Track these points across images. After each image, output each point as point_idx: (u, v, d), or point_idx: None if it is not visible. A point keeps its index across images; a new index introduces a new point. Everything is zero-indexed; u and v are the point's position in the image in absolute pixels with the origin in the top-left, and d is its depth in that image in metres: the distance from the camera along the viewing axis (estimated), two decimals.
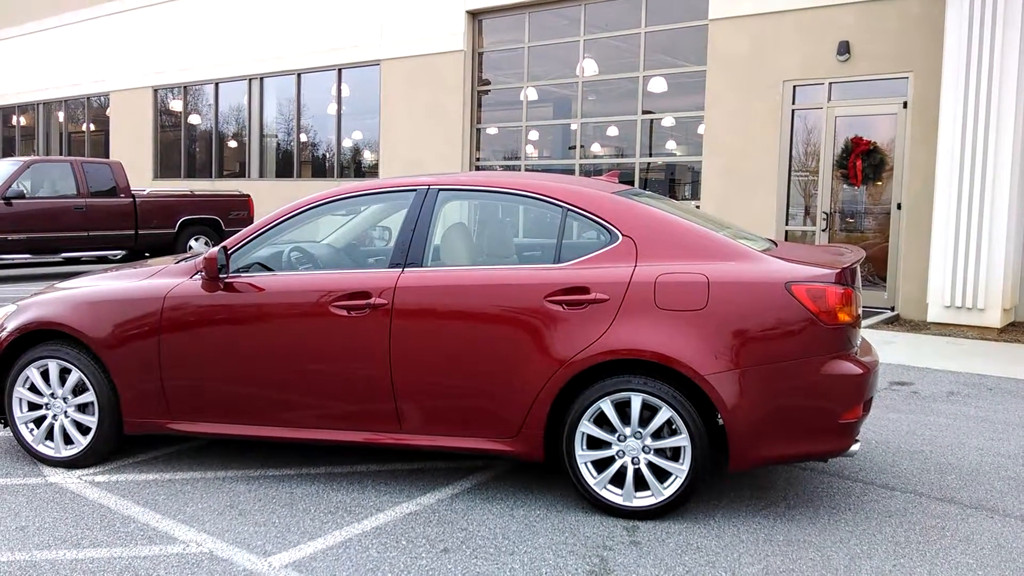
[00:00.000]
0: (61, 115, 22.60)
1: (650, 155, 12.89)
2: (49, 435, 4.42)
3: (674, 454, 3.72)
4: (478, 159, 14.69)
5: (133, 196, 13.64)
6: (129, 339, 4.20)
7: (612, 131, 13.29)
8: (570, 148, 13.67)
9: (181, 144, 19.35)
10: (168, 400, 4.21)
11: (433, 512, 3.84)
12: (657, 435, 3.71)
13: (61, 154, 22.37)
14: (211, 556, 3.38)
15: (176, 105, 19.42)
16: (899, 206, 10.49)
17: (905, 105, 10.38)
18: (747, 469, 3.70)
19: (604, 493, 3.76)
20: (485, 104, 14.58)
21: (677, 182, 13.03)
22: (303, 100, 17.07)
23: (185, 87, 19.14)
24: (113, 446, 4.39)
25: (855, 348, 3.71)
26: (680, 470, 3.67)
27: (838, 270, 3.62)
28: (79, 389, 4.35)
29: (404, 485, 4.17)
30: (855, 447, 3.70)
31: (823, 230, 10.99)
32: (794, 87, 11.19)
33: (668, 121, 12.70)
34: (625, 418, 3.72)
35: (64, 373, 4.36)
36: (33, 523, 3.69)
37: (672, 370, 3.68)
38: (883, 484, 4.28)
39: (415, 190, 4.13)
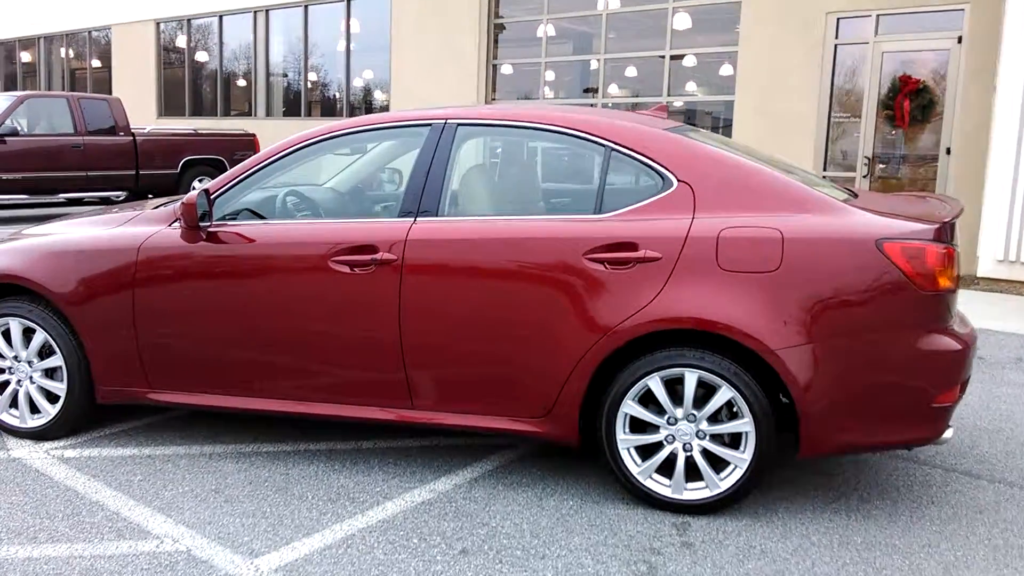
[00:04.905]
0: (63, 51, 21.82)
1: (676, 95, 12.10)
2: (14, 402, 3.89)
3: (733, 440, 3.15)
4: (493, 99, 13.93)
5: (133, 135, 13.00)
6: (99, 296, 3.64)
7: (633, 71, 12.49)
8: (585, 90, 12.88)
9: (185, 81, 18.61)
10: (145, 366, 3.66)
11: (449, 501, 3.30)
12: (714, 418, 3.14)
13: (64, 92, 21.66)
14: (188, 556, 2.86)
15: (180, 41, 18.63)
16: (948, 151, 9.74)
17: (960, 40, 9.56)
18: (818, 456, 3.13)
19: (649, 483, 3.21)
20: (502, 41, 13.75)
21: (705, 124, 12.27)
22: (311, 36, 16.26)
23: (188, 20, 18.32)
24: (84, 417, 3.86)
25: (952, 319, 3.11)
26: (740, 459, 3.11)
27: (938, 225, 3.00)
28: (46, 352, 3.81)
29: (416, 467, 3.63)
30: (948, 434, 3.12)
31: (864, 176, 10.27)
32: (837, 20, 10.36)
33: (696, 59, 11.88)
34: (676, 398, 3.15)
35: (28, 333, 3.81)
36: None
37: (736, 343, 3.09)
38: (966, 471, 3.71)
39: (430, 125, 3.50)
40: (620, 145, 3.26)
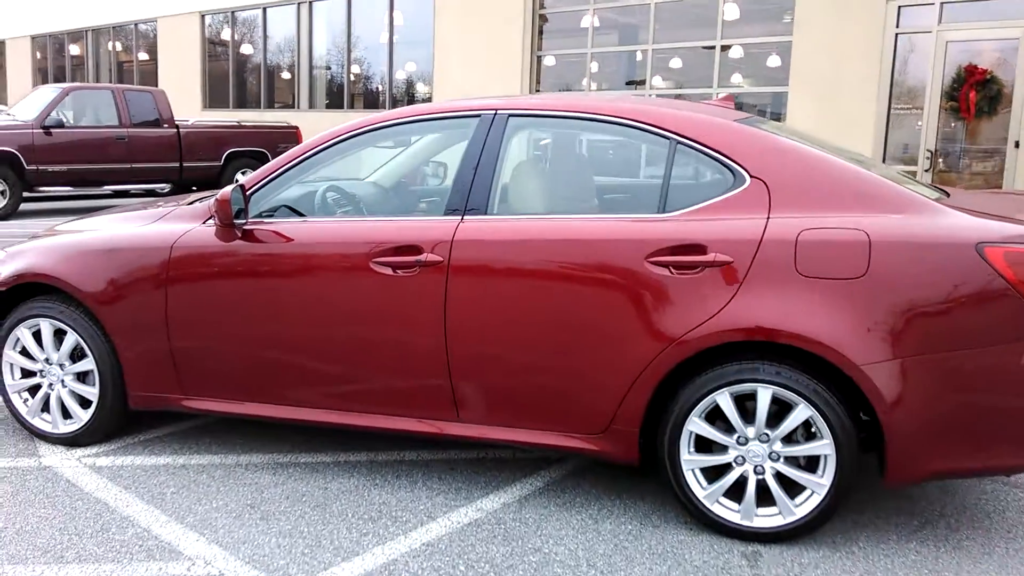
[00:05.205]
0: (111, 44, 22.00)
1: (724, 86, 11.71)
2: (45, 406, 3.74)
3: (809, 463, 2.87)
4: (537, 91, 13.65)
5: (177, 127, 12.98)
6: (130, 296, 3.46)
7: (678, 62, 12.12)
8: (629, 83, 12.54)
9: (230, 74, 18.62)
10: (179, 371, 3.48)
11: (498, 522, 3.06)
12: (789, 439, 2.86)
13: (109, 84, 21.83)
14: None
15: (225, 33, 18.63)
16: (1016, 144, 9.26)
17: None
18: (908, 484, 2.84)
19: (716, 508, 2.94)
20: (546, 32, 13.46)
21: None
22: (354, 28, 16.13)
23: (233, 13, 18.31)
24: (118, 423, 3.70)
25: None
26: (818, 484, 2.83)
27: None
28: (77, 355, 3.65)
29: (462, 482, 3.40)
30: None
31: (926, 170, 9.82)
32: (899, 8, 9.90)
33: (747, 50, 11.47)
34: (746, 415, 2.88)
35: (60, 335, 3.66)
36: (13, 523, 3.02)
37: (816, 357, 2.80)
38: None
39: (479, 116, 3.25)
40: (686, 138, 2.99)
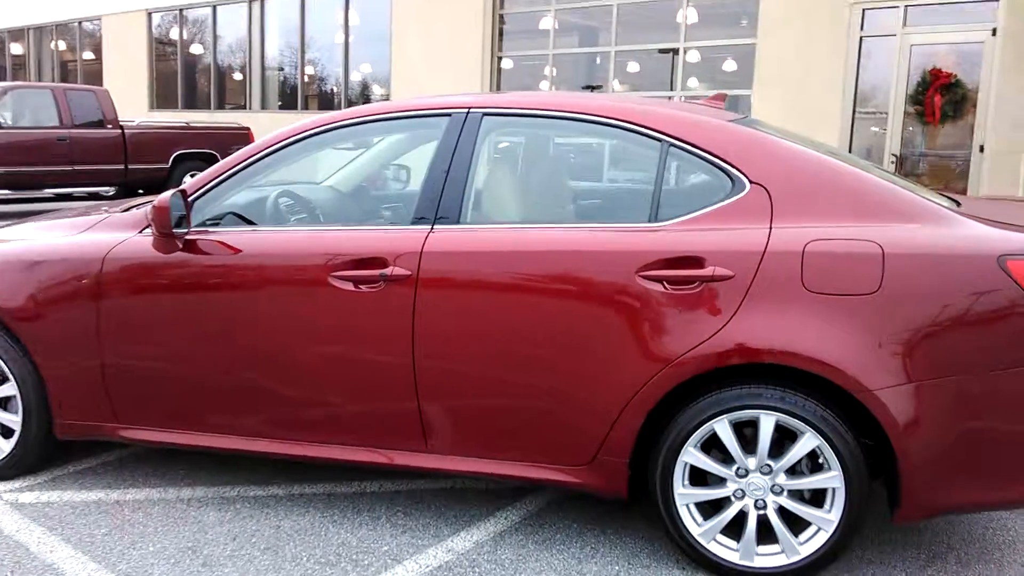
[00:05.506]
0: (54, 43, 21.20)
1: (687, 90, 11.55)
2: None
3: (814, 496, 2.62)
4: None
5: (121, 127, 12.42)
6: (57, 314, 3.09)
7: (636, 66, 11.94)
8: (585, 87, 12.32)
9: (179, 74, 18.02)
10: (113, 398, 3.11)
11: (471, 564, 2.75)
12: (793, 470, 2.60)
13: (49, 83, 21.02)
14: None
15: (173, 32, 18.04)
16: (981, 148, 9.22)
17: (994, 32, 9.04)
18: (922, 519, 2.60)
19: (713, 547, 2.67)
20: (506, 33, 13.19)
21: None
22: (308, 28, 15.69)
23: (181, 10, 17.72)
24: (44, 454, 3.32)
25: None
26: (825, 520, 2.57)
27: None
28: None
29: (430, 517, 3.09)
30: None
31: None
32: (863, 11, 9.83)
33: (710, 53, 11.33)
34: (746, 444, 2.61)
35: None
36: None
37: (824, 380, 2.55)
38: None
39: (450, 115, 2.94)
40: (679, 139, 2.72)
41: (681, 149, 2.71)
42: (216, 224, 3.06)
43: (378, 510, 3.13)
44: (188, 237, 2.99)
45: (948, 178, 9.49)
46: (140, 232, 3.08)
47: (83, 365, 3.10)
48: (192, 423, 3.08)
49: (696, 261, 2.56)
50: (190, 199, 3.03)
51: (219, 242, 2.96)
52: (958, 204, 2.84)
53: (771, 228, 2.56)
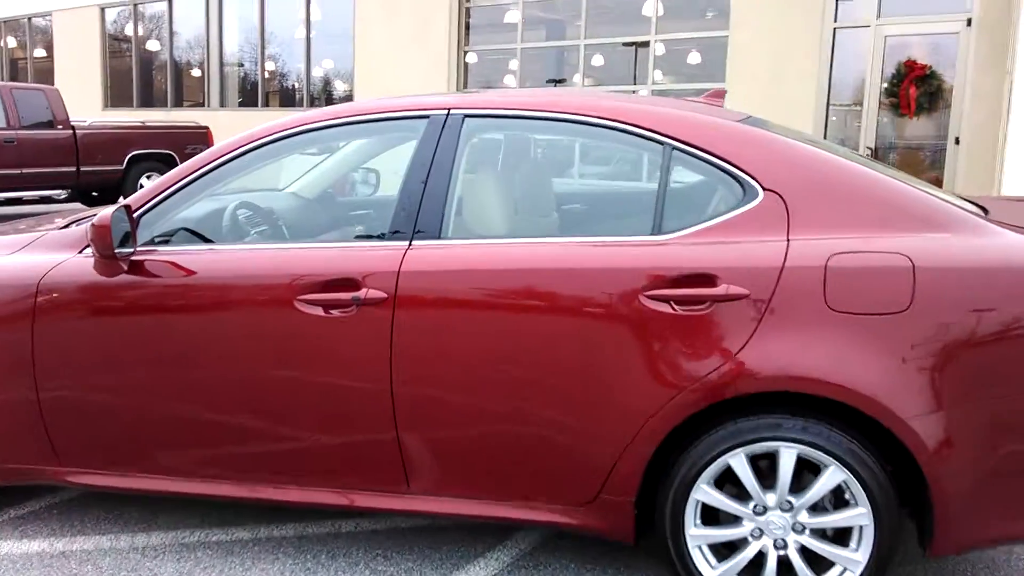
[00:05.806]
0: (2, 40, 20.45)
1: (658, 84, 11.33)
2: None
3: (838, 535, 2.38)
4: (466, 89, 13.06)
5: (73, 127, 11.91)
6: None
7: (614, 57, 11.70)
8: (550, 81, 12.06)
9: (134, 71, 17.45)
10: (52, 438, 2.79)
11: None
12: (815, 506, 2.36)
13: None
14: None
15: (128, 28, 17.45)
16: (957, 140, 9.12)
17: (969, 23, 8.93)
18: (957, 553, 2.38)
19: None
20: (472, 27, 12.88)
21: None
22: (267, 23, 15.24)
23: (136, 5, 17.14)
24: None
25: None
26: (851, 560, 2.34)
27: None
28: None
29: (413, 560, 2.80)
30: None
31: None
32: (836, 1, 9.67)
33: (683, 45, 11.12)
34: (764, 478, 2.37)
35: None
36: None
37: (851, 409, 2.31)
38: None
39: (428, 116, 2.65)
40: (684, 143, 2.45)
41: (685, 153, 2.45)
42: (166, 242, 2.74)
43: (355, 554, 2.84)
44: (134, 258, 2.66)
45: (922, 170, 9.38)
46: (80, 252, 2.74)
47: (18, 404, 2.76)
48: (141, 465, 2.76)
49: (707, 279, 2.30)
50: (136, 214, 2.71)
51: (169, 263, 2.64)
52: (985, 210, 2.61)
53: (788, 240, 2.31)
